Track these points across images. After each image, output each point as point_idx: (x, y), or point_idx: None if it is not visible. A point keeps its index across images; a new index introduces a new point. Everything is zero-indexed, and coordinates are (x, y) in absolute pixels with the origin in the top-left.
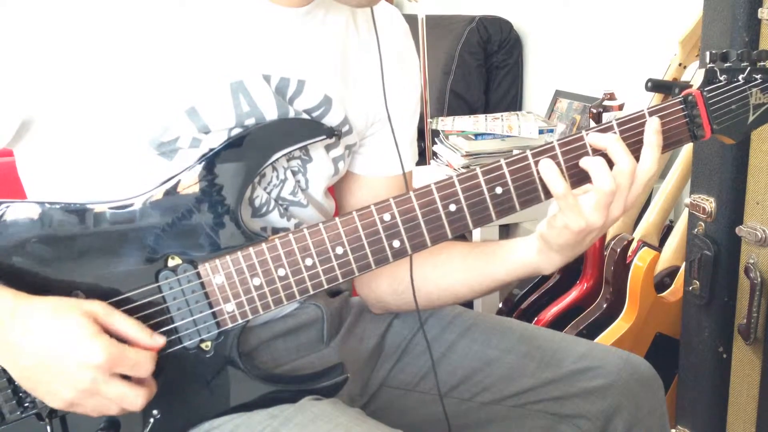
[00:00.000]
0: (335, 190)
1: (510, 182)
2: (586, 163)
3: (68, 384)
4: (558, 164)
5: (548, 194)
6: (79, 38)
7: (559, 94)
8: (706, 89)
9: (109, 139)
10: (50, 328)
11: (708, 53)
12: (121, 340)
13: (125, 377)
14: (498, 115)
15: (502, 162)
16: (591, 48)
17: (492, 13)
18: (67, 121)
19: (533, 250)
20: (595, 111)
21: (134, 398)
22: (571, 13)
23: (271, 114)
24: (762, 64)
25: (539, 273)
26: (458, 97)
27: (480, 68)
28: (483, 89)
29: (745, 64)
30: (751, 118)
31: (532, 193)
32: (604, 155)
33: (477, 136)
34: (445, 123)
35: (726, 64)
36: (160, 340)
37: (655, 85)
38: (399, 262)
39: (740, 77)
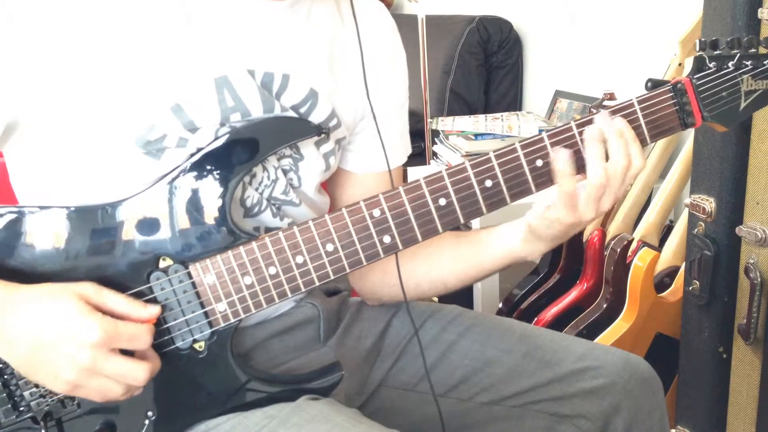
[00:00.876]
0: (328, 188)
1: (500, 175)
2: (588, 150)
3: (68, 365)
4: (545, 155)
5: (539, 186)
6: (60, 38)
7: (559, 94)
8: (695, 77)
9: (95, 140)
10: (43, 312)
11: (697, 41)
12: (117, 317)
13: (127, 356)
14: (498, 115)
15: (491, 155)
16: (591, 48)
17: (492, 13)
18: (52, 123)
19: (518, 238)
20: (595, 111)
21: (137, 372)
22: (571, 13)
23: (256, 109)
24: (753, 50)
25: (524, 261)
26: (458, 97)
27: (480, 68)
28: (483, 89)
29: (735, 51)
30: (743, 105)
31: (523, 185)
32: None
33: (477, 136)
34: (445, 123)
35: (716, 52)
36: (154, 310)
37: (655, 85)
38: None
39: (730, 64)
